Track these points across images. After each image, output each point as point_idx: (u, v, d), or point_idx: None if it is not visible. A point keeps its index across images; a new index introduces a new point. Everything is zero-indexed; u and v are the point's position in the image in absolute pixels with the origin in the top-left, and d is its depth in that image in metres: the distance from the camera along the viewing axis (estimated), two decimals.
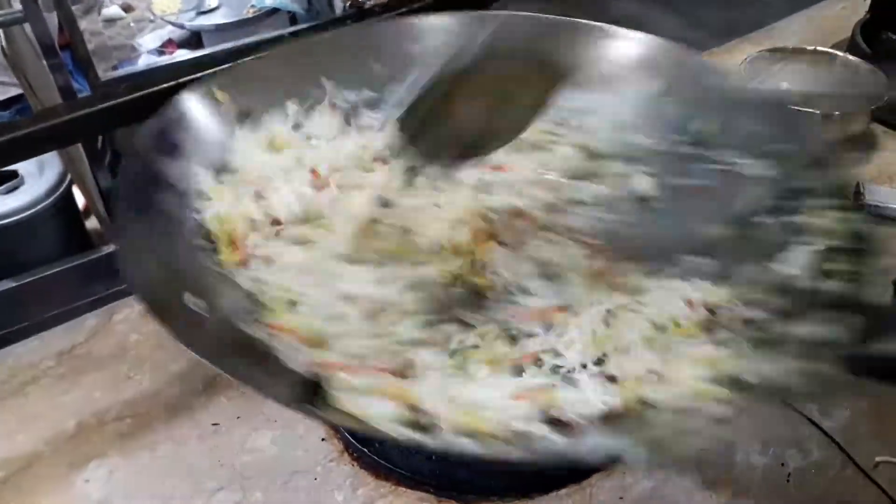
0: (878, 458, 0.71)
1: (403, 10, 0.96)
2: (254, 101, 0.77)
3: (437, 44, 0.83)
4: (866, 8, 1.24)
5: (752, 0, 1.46)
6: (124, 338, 0.81)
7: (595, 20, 0.83)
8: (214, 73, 0.79)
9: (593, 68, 0.79)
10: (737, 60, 1.15)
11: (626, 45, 0.81)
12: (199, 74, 0.80)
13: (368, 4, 3.11)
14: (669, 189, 0.74)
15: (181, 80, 0.80)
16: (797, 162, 0.68)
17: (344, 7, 3.26)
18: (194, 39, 2.87)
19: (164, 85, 0.83)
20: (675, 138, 0.76)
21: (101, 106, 0.86)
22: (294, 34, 1.29)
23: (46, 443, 0.72)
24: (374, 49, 0.84)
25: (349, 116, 0.81)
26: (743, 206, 0.68)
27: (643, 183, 0.75)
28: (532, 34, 0.82)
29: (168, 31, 2.87)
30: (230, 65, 0.81)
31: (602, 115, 0.79)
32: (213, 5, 2.83)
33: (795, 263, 0.61)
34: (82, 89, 2.23)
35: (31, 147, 0.87)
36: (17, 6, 1.69)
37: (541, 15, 0.82)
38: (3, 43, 1.73)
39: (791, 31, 1.35)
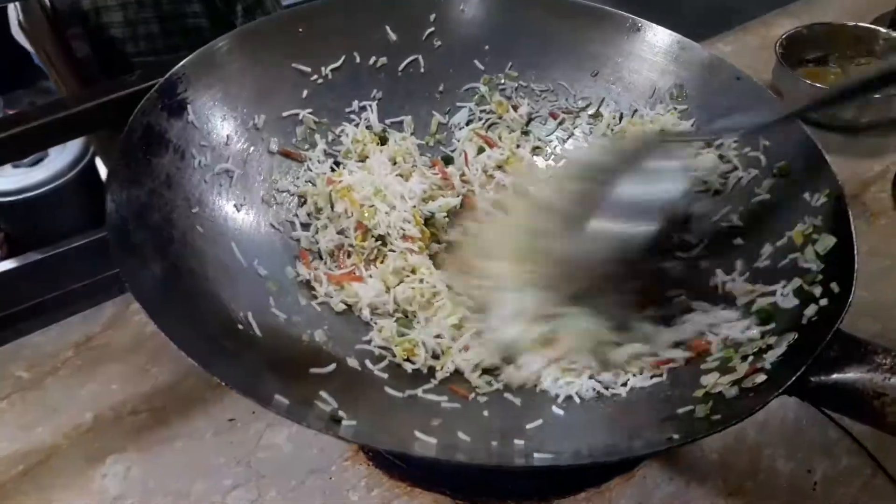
0: None
1: None
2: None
3: (454, 14, 0.81)
4: None
5: None
6: (141, 328, 0.81)
7: None
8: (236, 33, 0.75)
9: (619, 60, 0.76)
10: (776, 35, 1.10)
11: (652, 39, 0.78)
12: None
13: None
14: None
15: None
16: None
17: None
18: None
19: None
20: None
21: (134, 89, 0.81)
22: None
23: (65, 436, 0.72)
24: (391, 15, 0.81)
25: None
26: None
27: None
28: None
29: None
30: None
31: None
32: None
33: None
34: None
35: (63, 133, 0.83)
36: None
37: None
38: (20, 16, 1.70)
39: (832, 1, 1.29)
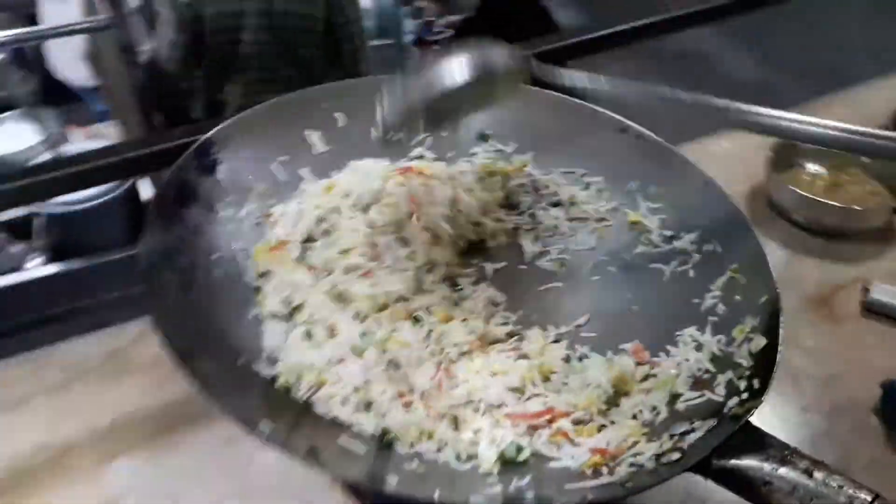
0: None
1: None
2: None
3: None
4: None
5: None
6: (161, 350, 0.91)
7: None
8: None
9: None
10: (766, 145, 1.18)
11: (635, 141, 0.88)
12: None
13: (437, 27, 3.19)
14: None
15: None
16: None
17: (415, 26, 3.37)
18: None
19: None
20: None
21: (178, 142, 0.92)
22: None
23: (83, 435, 0.82)
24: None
25: None
26: None
27: None
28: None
29: None
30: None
31: None
32: None
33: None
34: None
35: (113, 174, 0.95)
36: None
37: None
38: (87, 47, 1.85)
39: (829, 112, 1.37)
